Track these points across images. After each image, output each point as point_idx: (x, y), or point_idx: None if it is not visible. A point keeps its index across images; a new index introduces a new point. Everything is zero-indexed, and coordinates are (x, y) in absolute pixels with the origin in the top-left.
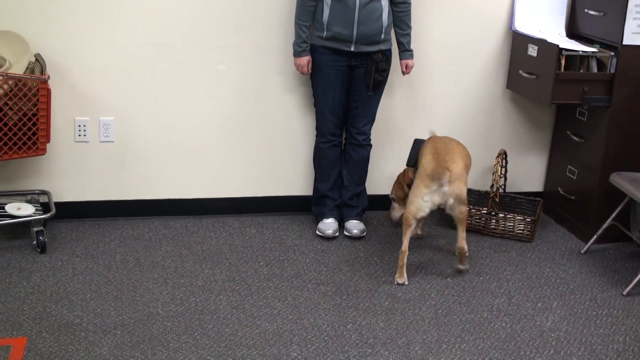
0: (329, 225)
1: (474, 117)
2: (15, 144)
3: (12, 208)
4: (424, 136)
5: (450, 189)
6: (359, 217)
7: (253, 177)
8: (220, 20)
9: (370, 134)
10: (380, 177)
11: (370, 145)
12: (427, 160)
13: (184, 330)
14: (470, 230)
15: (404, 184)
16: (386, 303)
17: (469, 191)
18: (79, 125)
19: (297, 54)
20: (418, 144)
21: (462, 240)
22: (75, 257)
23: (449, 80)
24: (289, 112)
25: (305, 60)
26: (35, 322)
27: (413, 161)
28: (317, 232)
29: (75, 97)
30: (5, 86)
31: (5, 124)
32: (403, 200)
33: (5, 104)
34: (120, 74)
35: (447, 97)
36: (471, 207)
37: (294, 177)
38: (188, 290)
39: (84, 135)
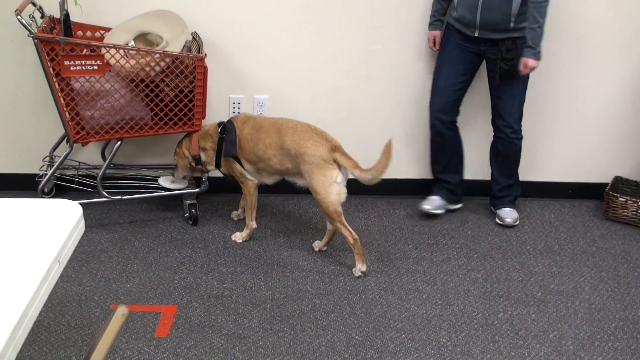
0: (430, 201)
1: (630, 107)
2: (171, 119)
3: (165, 181)
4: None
5: (345, 161)
6: (511, 204)
7: (404, 159)
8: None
9: (517, 128)
10: (534, 165)
11: (520, 138)
12: (312, 145)
13: (333, 308)
14: (626, 223)
15: (189, 154)
16: (538, 294)
17: (627, 181)
18: (234, 103)
19: (428, 27)
20: (231, 133)
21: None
22: (226, 231)
23: (602, 68)
24: None
25: (431, 35)
26: (186, 291)
27: (235, 150)
28: (420, 207)
29: (231, 75)
30: (162, 63)
31: (162, 100)
32: (187, 168)
33: (162, 80)
34: (275, 53)
35: (600, 87)
36: (628, 198)
37: None
38: (336, 270)
39: (239, 113)
